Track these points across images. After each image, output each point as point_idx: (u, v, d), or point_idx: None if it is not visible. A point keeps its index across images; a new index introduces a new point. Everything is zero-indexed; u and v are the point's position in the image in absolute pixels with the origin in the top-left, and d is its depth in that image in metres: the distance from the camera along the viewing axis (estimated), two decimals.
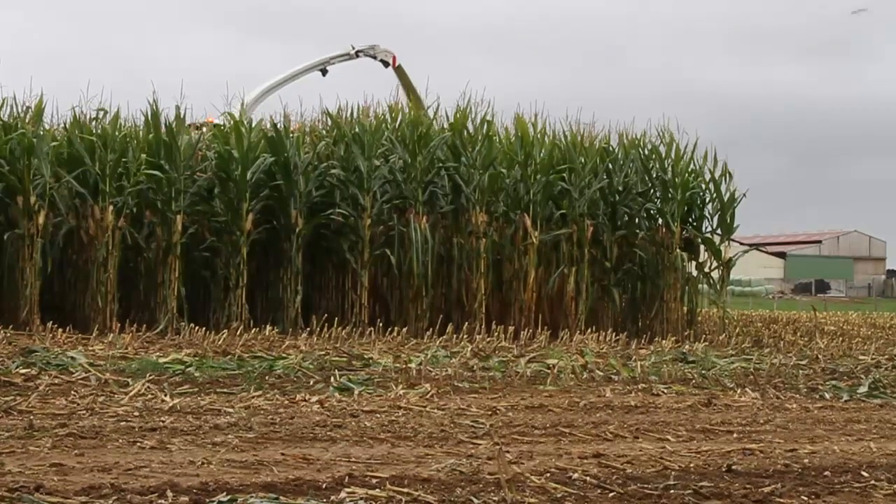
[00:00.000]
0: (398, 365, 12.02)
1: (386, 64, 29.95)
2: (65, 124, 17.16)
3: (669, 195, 18.60)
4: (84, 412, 8.40)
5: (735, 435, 8.53)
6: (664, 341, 16.51)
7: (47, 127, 16.64)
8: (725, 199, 19.11)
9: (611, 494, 5.94)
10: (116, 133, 16.42)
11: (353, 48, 29.88)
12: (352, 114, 18.16)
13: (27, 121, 16.07)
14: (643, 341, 16.59)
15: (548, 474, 6.41)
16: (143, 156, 16.34)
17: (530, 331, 16.48)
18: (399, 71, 29.39)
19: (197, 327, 15.07)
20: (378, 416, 8.80)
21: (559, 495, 5.85)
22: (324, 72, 29.76)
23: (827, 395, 11.39)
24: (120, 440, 7.25)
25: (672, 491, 6.06)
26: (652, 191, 18.79)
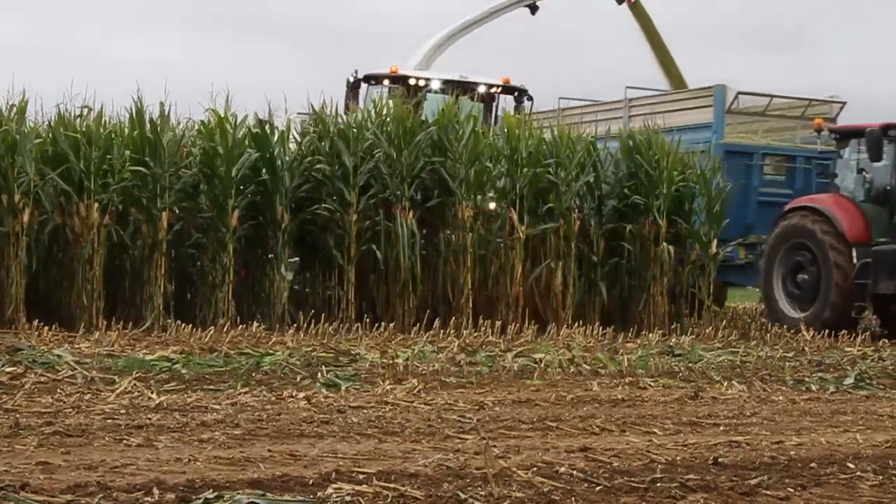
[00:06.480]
0: (385, 360, 12.01)
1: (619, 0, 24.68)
2: (49, 121, 17.09)
3: (657, 189, 18.59)
4: (70, 410, 8.38)
5: (722, 427, 8.55)
6: (651, 335, 16.53)
7: (31, 124, 16.57)
8: (714, 192, 19.10)
9: (598, 488, 5.95)
10: (101, 130, 16.35)
11: None
12: (336, 108, 18.08)
13: (10, 118, 16.00)
14: (630, 335, 16.60)
15: (535, 468, 6.42)
16: (128, 153, 16.28)
17: (517, 325, 16.47)
18: (636, 10, 24.11)
19: (183, 324, 15.03)
20: (365, 411, 8.80)
21: (546, 489, 5.86)
22: (533, 8, 24.36)
23: (813, 387, 11.43)
24: (106, 438, 7.24)
25: (659, 484, 6.07)
26: (638, 184, 18.76)
